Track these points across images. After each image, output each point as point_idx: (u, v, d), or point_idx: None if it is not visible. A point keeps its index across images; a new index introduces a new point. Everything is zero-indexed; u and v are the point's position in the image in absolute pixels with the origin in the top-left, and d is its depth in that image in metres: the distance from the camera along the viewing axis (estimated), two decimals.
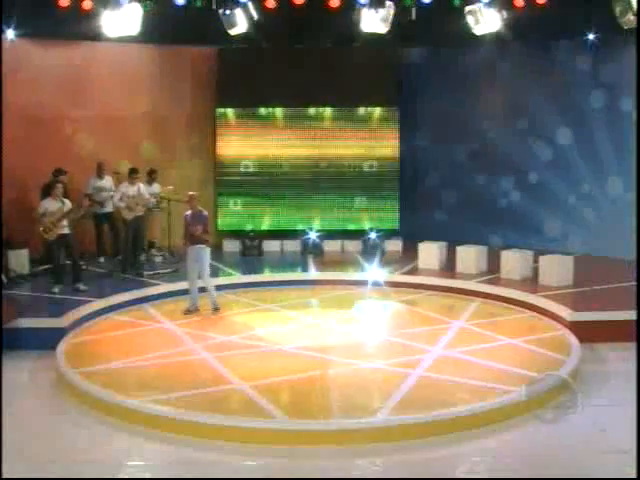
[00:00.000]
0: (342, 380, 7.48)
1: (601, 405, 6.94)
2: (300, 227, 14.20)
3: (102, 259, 12.57)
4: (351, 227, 14.33)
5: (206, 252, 9.96)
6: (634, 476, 5.31)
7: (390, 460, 5.94)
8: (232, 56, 13.93)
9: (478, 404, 6.57)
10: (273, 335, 9.06)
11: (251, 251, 13.49)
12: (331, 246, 13.94)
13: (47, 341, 8.49)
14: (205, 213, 10.17)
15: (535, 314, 9.80)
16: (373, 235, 13.60)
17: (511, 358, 7.96)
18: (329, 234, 14.10)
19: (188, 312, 9.97)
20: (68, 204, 10.40)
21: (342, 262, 13.07)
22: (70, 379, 7.39)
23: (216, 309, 10.05)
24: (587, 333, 8.62)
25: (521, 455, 5.99)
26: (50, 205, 10.31)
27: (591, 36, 12.54)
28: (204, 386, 7.17)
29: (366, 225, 14.15)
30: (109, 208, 12.50)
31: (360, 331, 9.25)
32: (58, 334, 8.68)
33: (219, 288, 10.43)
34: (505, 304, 10.35)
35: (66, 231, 10.38)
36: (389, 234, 14.02)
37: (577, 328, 8.75)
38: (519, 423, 6.49)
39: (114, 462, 5.92)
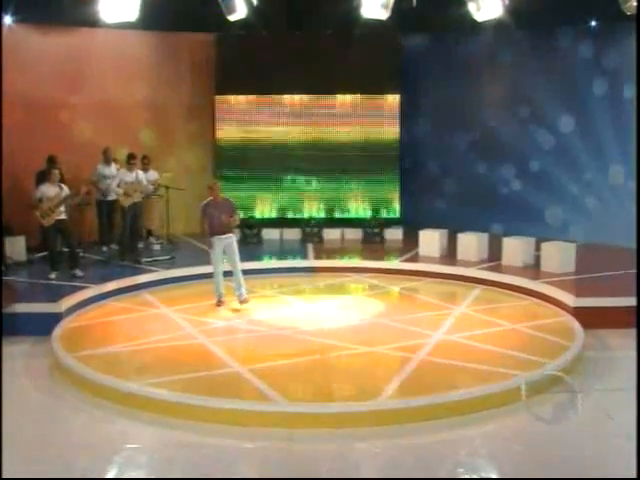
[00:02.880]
0: (342, 364, 7.40)
1: (604, 390, 6.86)
2: (300, 215, 14.13)
3: (105, 248, 12.17)
4: (351, 215, 14.25)
5: (235, 241, 9.71)
6: (634, 476, 5.21)
7: (390, 443, 5.85)
8: (231, 42, 13.82)
9: (480, 388, 6.49)
10: (272, 320, 8.96)
11: (251, 239, 13.39)
12: (331, 234, 13.85)
13: (44, 326, 8.39)
14: (232, 200, 9.96)
15: (538, 300, 9.71)
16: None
17: (514, 343, 7.88)
18: (329, 222, 14.03)
19: (220, 304, 9.60)
20: (66, 190, 10.32)
21: (342, 250, 12.99)
22: (66, 363, 7.29)
23: (245, 300, 9.60)
24: (590, 319, 8.52)
25: (523, 438, 5.91)
26: (48, 190, 10.21)
27: (594, 23, 12.45)
28: (202, 370, 7.08)
29: (366, 213, 14.10)
30: (113, 196, 12.00)
31: (360, 317, 9.14)
32: (54, 319, 8.60)
33: None
34: (507, 291, 10.27)
35: (63, 217, 10.29)
36: (390, 222, 13.96)
37: (580, 314, 8.67)
38: (521, 406, 6.39)
39: (111, 445, 5.83)
